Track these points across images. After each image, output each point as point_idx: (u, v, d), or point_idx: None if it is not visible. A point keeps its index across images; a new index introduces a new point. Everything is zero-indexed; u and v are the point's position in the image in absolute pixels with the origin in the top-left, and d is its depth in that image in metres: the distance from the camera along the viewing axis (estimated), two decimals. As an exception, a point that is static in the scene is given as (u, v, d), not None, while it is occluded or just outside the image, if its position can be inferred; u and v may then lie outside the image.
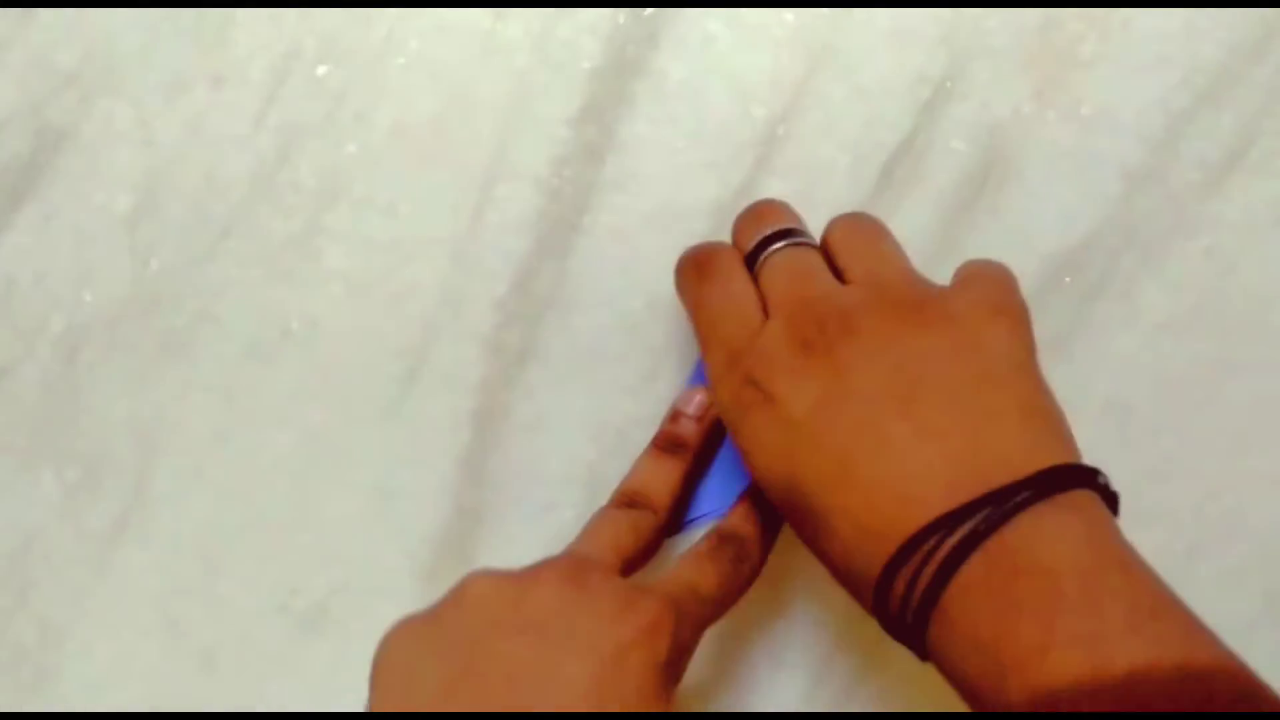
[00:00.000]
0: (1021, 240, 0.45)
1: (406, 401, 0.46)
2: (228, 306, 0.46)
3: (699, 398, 0.43)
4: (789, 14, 0.45)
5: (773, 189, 0.45)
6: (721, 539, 0.39)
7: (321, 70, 0.46)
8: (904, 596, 0.33)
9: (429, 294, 0.46)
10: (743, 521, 0.40)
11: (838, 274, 0.39)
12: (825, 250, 0.40)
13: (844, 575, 0.36)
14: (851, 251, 0.40)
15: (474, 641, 0.34)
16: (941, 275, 0.40)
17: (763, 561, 0.40)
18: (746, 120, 0.45)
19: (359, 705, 0.45)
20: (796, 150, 0.45)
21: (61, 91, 0.46)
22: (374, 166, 0.46)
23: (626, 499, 0.41)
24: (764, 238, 0.40)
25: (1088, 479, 0.34)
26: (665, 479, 0.41)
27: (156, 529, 0.46)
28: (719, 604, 0.38)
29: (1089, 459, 0.37)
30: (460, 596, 0.36)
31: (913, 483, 0.34)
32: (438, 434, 0.46)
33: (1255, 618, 0.45)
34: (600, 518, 0.41)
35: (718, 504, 0.43)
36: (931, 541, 0.33)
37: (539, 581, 0.36)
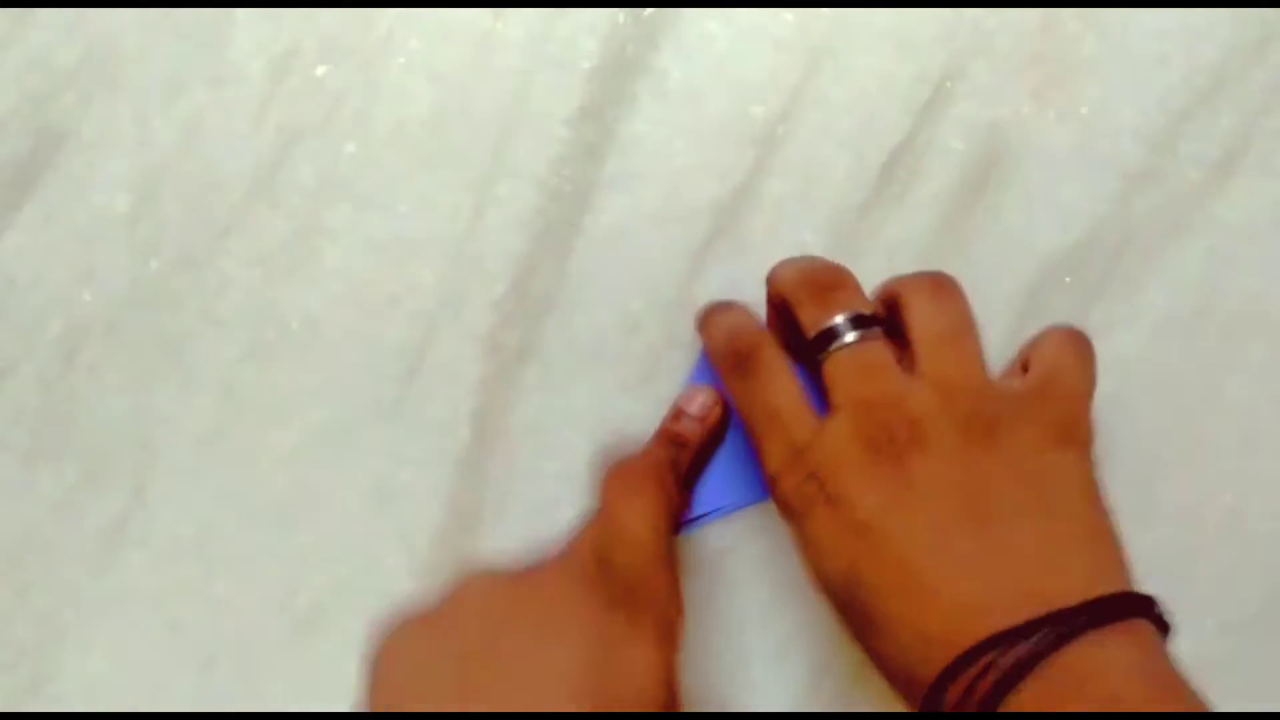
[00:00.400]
0: (1021, 240, 0.45)
1: (406, 401, 0.46)
2: (228, 306, 0.46)
3: (702, 397, 0.43)
4: (788, 14, 0.45)
5: (773, 189, 0.45)
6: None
7: (321, 70, 0.46)
8: (956, 705, 0.33)
9: (429, 294, 0.46)
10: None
11: (902, 331, 0.38)
12: (892, 305, 0.39)
13: (893, 674, 0.36)
14: (927, 339, 0.38)
15: (478, 646, 0.35)
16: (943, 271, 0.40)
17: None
18: (746, 120, 0.45)
19: (358, 705, 0.45)
20: (796, 150, 0.45)
21: (61, 91, 0.46)
22: (374, 166, 0.46)
23: None
24: (832, 327, 0.38)
25: (1145, 608, 0.34)
26: None
27: (156, 529, 0.46)
28: (677, 518, 0.39)
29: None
30: (460, 597, 0.36)
31: (976, 596, 0.34)
32: (437, 434, 0.46)
33: (1255, 618, 0.45)
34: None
35: (718, 503, 0.43)
36: (989, 655, 0.33)
37: (538, 583, 0.36)
